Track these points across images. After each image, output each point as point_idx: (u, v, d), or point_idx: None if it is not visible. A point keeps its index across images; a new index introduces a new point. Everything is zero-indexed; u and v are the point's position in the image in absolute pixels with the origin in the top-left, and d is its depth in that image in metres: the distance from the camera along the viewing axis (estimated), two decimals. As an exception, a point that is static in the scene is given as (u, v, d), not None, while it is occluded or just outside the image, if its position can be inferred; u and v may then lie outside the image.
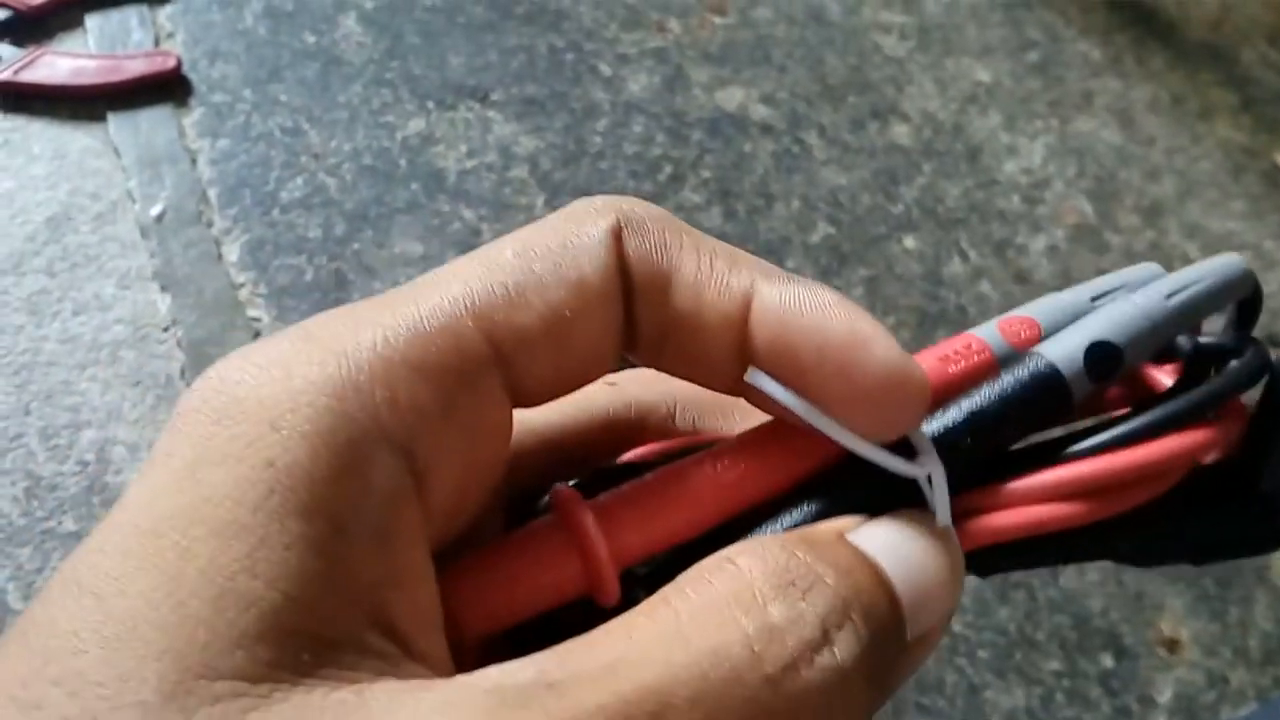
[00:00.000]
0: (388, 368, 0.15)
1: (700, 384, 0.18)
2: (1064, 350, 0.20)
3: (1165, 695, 0.74)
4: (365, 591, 0.14)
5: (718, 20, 1.07)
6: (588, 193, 0.91)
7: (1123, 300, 0.21)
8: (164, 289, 0.83)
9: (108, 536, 0.14)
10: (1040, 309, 0.22)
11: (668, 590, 0.16)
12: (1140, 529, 0.20)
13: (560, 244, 0.17)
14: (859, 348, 0.17)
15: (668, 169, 0.95)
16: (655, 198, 0.93)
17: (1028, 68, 1.08)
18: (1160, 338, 0.21)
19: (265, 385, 0.15)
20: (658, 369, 0.18)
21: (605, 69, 1.02)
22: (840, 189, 0.96)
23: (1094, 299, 0.22)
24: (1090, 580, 0.77)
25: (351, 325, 0.16)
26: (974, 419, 0.19)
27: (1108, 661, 0.75)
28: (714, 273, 0.17)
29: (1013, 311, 0.21)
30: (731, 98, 1.01)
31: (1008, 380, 0.20)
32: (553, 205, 0.91)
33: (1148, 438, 0.19)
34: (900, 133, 1.01)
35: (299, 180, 0.90)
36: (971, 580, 0.69)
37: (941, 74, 1.06)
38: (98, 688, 0.13)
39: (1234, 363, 0.21)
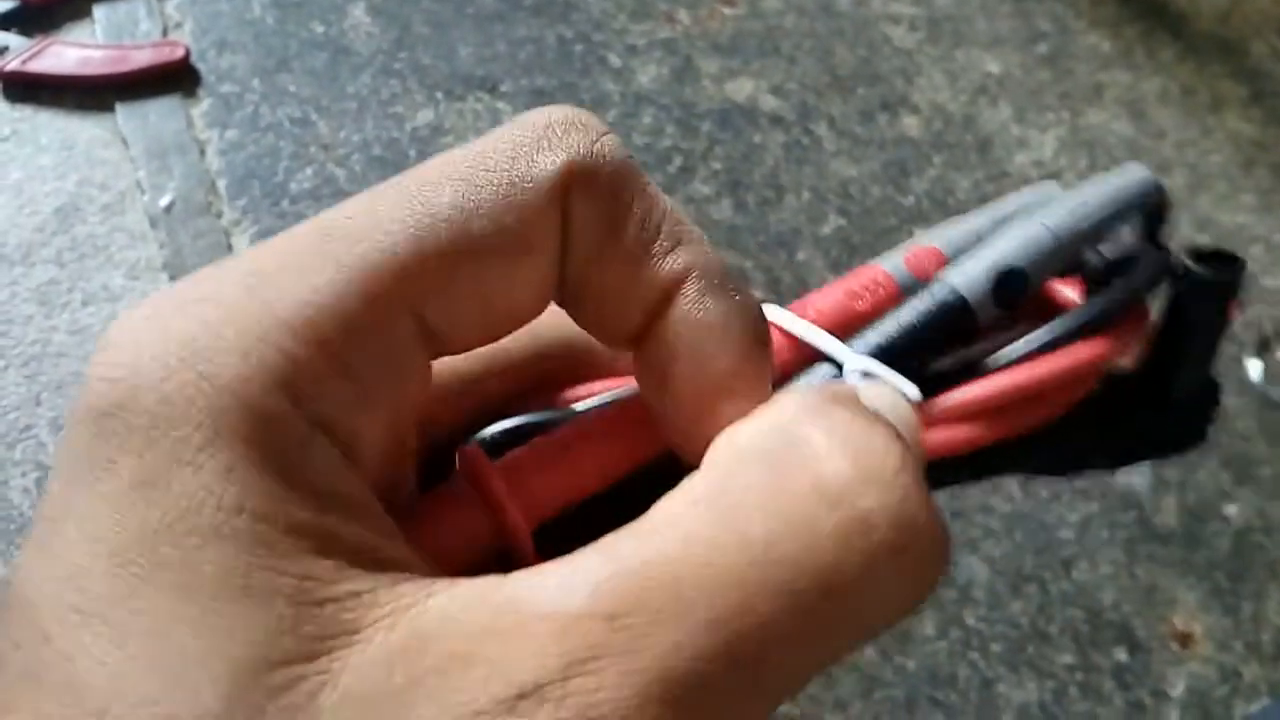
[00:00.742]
0: (309, 351, 0.14)
1: (600, 340, 0.18)
2: (969, 278, 0.20)
3: (1178, 689, 0.74)
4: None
5: (727, 11, 1.07)
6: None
7: (1026, 222, 0.21)
8: (173, 279, 0.83)
9: (85, 555, 0.13)
10: (945, 237, 0.22)
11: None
12: (1054, 441, 0.21)
13: (504, 194, 0.16)
14: (722, 395, 0.17)
15: (677, 160, 0.95)
16: (664, 189, 0.92)
17: (1038, 59, 1.08)
18: (1066, 256, 0.21)
19: (192, 384, 0.14)
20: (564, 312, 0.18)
21: (614, 60, 1.01)
22: (851, 180, 0.96)
23: (997, 222, 0.22)
24: (1103, 573, 0.77)
25: (266, 297, 0.15)
26: (882, 350, 0.19)
27: (1121, 655, 0.74)
28: (651, 253, 0.17)
29: (915, 240, 0.21)
30: (741, 89, 1.01)
31: (915, 308, 0.20)
32: (563, 197, 0.90)
33: (1055, 349, 0.20)
34: (910, 124, 1.01)
35: (308, 171, 0.90)
36: (984, 573, 0.68)
37: (951, 66, 1.06)
38: (152, 706, 0.13)
39: (1133, 270, 0.21)
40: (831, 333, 0.20)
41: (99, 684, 0.13)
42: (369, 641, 0.13)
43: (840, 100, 1.01)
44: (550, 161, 0.16)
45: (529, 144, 0.16)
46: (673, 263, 0.17)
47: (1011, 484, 0.79)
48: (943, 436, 0.19)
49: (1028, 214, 0.22)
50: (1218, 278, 0.21)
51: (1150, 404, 0.22)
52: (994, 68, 1.07)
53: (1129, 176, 0.22)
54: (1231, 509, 0.81)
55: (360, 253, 0.15)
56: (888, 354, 0.19)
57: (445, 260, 0.15)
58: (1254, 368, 0.87)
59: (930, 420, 0.19)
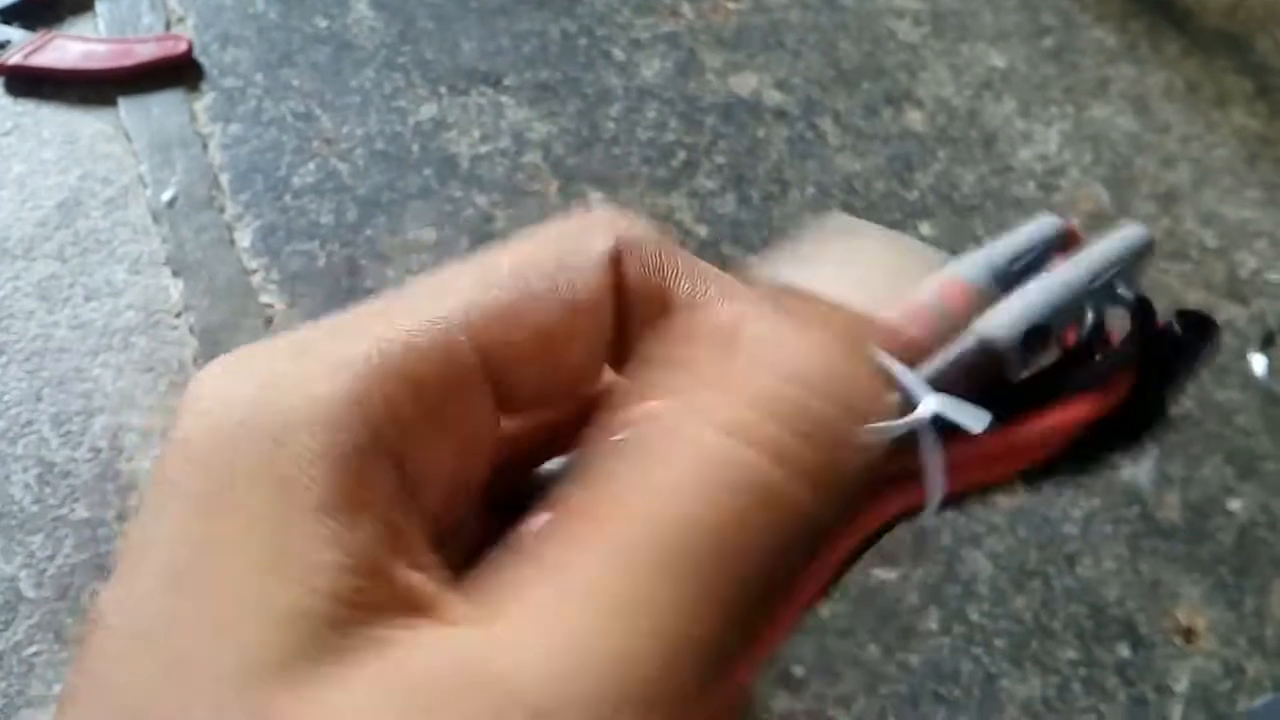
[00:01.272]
0: (382, 382, 0.16)
1: None
2: (1005, 332, 0.22)
3: (1182, 684, 0.73)
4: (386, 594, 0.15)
5: (731, 5, 1.07)
6: (602, 180, 0.91)
7: (1049, 279, 0.23)
8: (176, 274, 0.83)
9: (140, 574, 0.15)
10: (972, 272, 0.23)
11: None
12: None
13: (556, 262, 0.18)
14: None
15: (681, 155, 0.95)
16: (668, 184, 0.92)
17: (1043, 54, 1.07)
18: (1080, 310, 0.23)
19: (266, 405, 0.15)
20: None
21: (618, 54, 1.01)
22: (854, 175, 0.95)
23: (1013, 262, 0.23)
24: (1107, 569, 0.77)
25: (346, 338, 0.16)
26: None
27: (1124, 651, 0.74)
28: (708, 299, 0.18)
29: (946, 273, 0.23)
30: (745, 83, 1.01)
31: (954, 358, 0.21)
32: (566, 192, 0.90)
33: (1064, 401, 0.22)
34: (915, 119, 1.00)
35: (311, 166, 0.90)
36: (988, 568, 0.68)
37: (955, 60, 1.06)
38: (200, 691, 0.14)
39: (1132, 332, 0.23)
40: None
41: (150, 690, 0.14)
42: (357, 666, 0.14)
43: (844, 94, 1.01)
44: (598, 236, 0.18)
45: (576, 229, 0.18)
46: (730, 308, 0.18)
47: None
48: (986, 472, 0.21)
49: (1040, 258, 0.23)
50: (1203, 341, 0.23)
51: (1121, 447, 0.24)
52: (999, 61, 1.06)
53: (1131, 235, 0.24)
54: (1235, 504, 0.81)
55: (429, 305, 0.17)
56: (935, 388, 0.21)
57: (508, 310, 0.17)
58: (1258, 363, 0.87)
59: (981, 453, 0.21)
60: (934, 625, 0.73)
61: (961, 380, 0.21)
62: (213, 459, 0.15)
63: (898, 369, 0.20)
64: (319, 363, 0.16)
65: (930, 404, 0.20)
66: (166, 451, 0.16)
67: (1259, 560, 0.79)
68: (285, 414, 0.15)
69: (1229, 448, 0.83)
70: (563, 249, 0.18)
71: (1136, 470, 0.81)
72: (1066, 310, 0.22)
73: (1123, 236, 0.24)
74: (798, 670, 0.70)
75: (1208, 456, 0.82)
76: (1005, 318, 0.22)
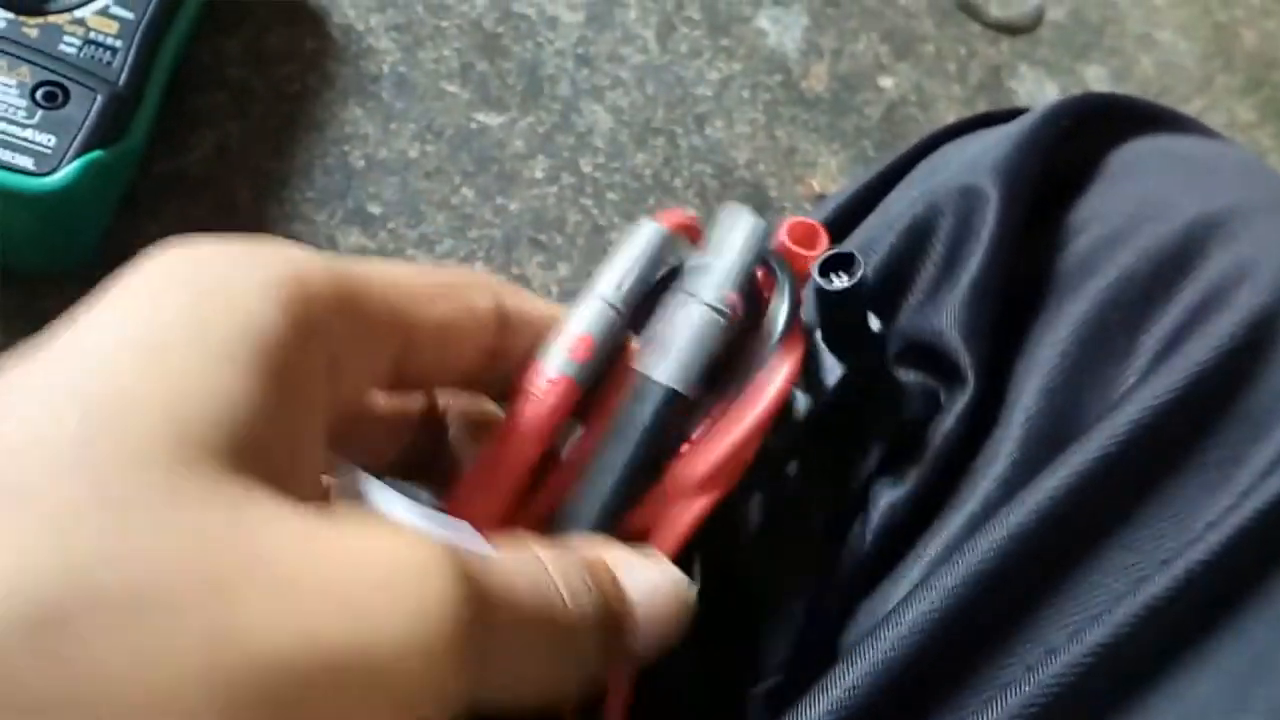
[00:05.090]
0: (335, 285, 0.19)
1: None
2: (678, 370, 0.23)
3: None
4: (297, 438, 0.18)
5: None
6: None
7: (690, 302, 0.24)
8: None
9: (102, 343, 0.17)
10: (592, 325, 0.24)
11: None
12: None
13: (463, 281, 0.23)
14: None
15: None
16: None
17: None
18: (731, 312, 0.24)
19: (235, 259, 0.19)
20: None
21: None
22: None
23: (630, 287, 0.24)
24: (740, 132, 0.71)
25: (295, 250, 0.20)
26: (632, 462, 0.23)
27: (748, 212, 0.69)
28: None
29: (570, 331, 0.24)
30: None
31: (639, 416, 0.23)
32: None
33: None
34: None
35: None
36: (608, 122, 0.60)
37: None
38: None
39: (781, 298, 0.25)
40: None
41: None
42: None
43: None
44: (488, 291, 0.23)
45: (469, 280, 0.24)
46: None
47: (647, 34, 0.71)
48: (685, 511, 0.23)
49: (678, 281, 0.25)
50: (849, 287, 0.25)
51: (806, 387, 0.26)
52: None
53: (750, 227, 0.24)
54: (887, 81, 0.76)
55: (375, 267, 0.21)
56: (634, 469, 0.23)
57: (429, 296, 0.22)
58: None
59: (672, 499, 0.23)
60: (540, 174, 0.66)
61: (658, 433, 0.23)
62: (182, 273, 0.18)
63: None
64: (278, 251, 0.19)
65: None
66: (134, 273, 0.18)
67: (905, 136, 0.74)
68: (253, 268, 0.18)
69: (888, 26, 0.77)
70: (465, 278, 0.23)
71: (784, 38, 0.74)
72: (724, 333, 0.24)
73: (742, 228, 0.24)
74: (374, 208, 0.62)
75: (864, 32, 0.76)
76: (671, 355, 0.23)
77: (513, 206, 0.65)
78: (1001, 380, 0.30)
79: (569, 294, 0.63)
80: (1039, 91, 0.79)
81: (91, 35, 0.52)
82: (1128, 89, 0.81)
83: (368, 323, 0.20)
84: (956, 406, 0.29)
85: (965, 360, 0.29)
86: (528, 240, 0.64)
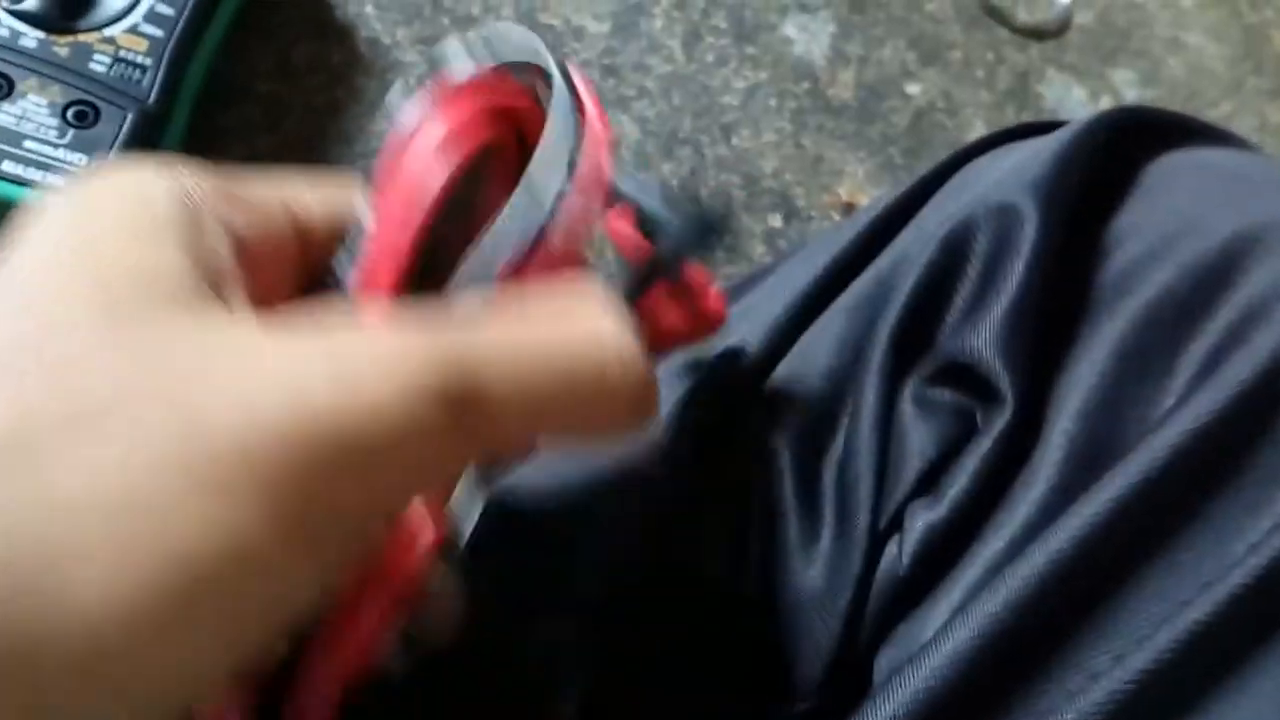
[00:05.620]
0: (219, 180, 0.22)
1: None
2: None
3: (832, 254, 0.68)
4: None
5: None
6: None
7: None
8: None
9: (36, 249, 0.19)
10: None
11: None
12: None
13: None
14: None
15: None
16: None
17: None
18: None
19: (131, 177, 0.21)
20: None
21: None
22: None
23: None
24: (766, 141, 0.71)
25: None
26: None
27: (776, 221, 0.69)
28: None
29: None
30: None
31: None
32: None
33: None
34: None
35: None
36: (634, 132, 0.60)
37: None
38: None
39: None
40: None
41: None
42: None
43: None
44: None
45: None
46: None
47: (673, 43, 0.71)
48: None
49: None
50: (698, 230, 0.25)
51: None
52: None
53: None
54: (914, 88, 0.75)
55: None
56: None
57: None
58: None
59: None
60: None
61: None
62: (97, 188, 0.20)
63: None
64: (165, 166, 0.21)
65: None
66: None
67: (932, 143, 0.74)
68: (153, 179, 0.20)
69: (915, 33, 0.77)
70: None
71: (811, 46, 0.74)
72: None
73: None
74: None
75: (890, 39, 0.76)
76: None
77: (540, 218, 0.65)
78: (1039, 400, 0.29)
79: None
80: (1067, 96, 0.78)
81: (121, 53, 0.53)
82: (1157, 93, 0.81)
83: (256, 205, 0.22)
84: (995, 428, 0.29)
85: (1004, 381, 0.29)
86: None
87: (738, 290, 0.40)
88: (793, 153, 0.71)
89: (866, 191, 0.71)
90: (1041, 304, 0.30)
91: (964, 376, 0.30)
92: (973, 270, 0.31)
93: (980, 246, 0.31)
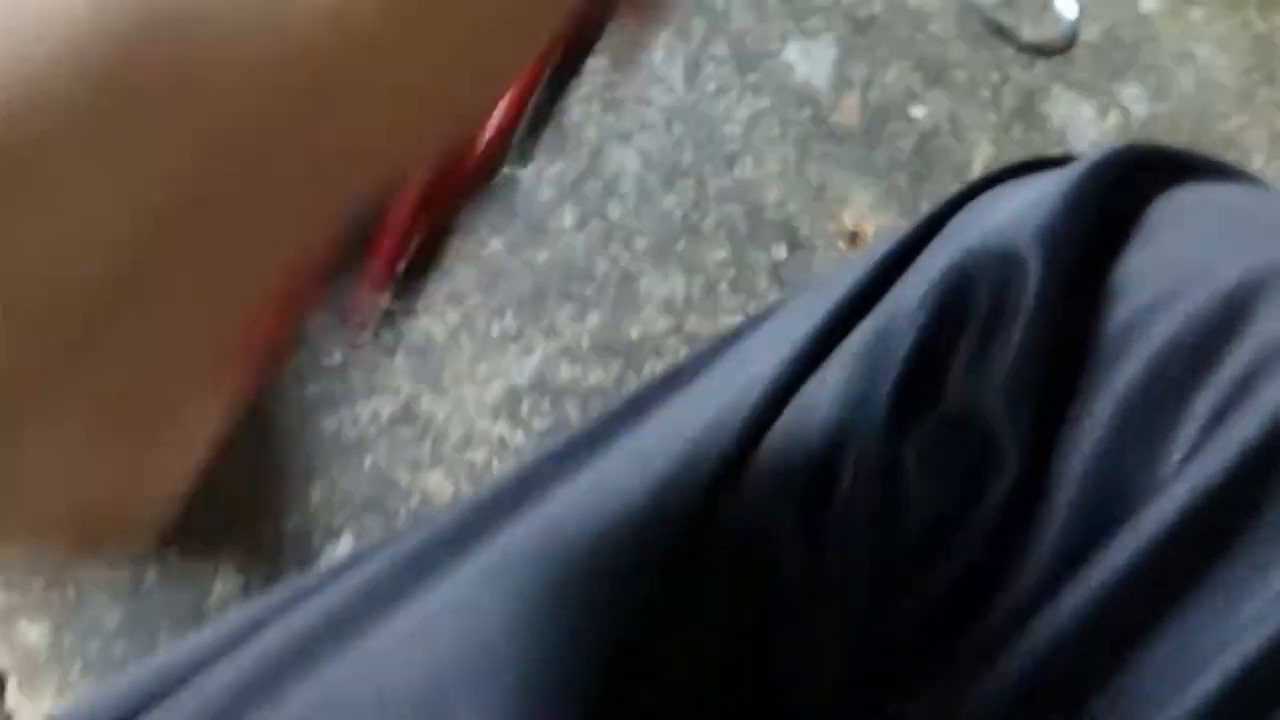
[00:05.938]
0: None
1: None
2: None
3: (839, 284, 0.67)
4: None
5: None
6: None
7: None
8: None
9: None
10: None
11: None
12: None
13: None
14: None
15: None
16: None
17: None
18: None
19: None
20: None
21: None
22: None
23: None
24: (769, 171, 0.70)
25: None
26: None
27: (780, 253, 0.68)
28: None
29: None
30: None
31: None
32: None
33: None
34: None
35: None
36: (635, 166, 0.59)
37: None
38: None
39: None
40: None
41: None
42: None
43: None
44: None
45: None
46: None
47: (674, 74, 0.71)
48: None
49: None
50: None
51: None
52: None
53: None
54: (919, 111, 0.74)
55: None
56: None
57: None
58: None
59: None
60: (568, 222, 0.66)
61: None
62: None
63: None
64: None
65: None
66: None
67: (938, 168, 0.73)
68: None
69: (919, 54, 0.76)
70: None
71: (812, 70, 0.73)
72: None
73: None
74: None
75: (894, 61, 0.75)
76: None
77: (541, 258, 0.64)
78: (1044, 457, 0.29)
79: (600, 345, 0.62)
80: (1075, 114, 0.77)
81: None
82: (1166, 107, 0.79)
83: None
84: (999, 485, 0.28)
85: (1007, 437, 0.28)
86: (557, 292, 0.64)
87: (740, 332, 0.40)
88: (796, 181, 0.70)
89: (872, 219, 0.70)
90: (1044, 358, 0.29)
91: (967, 432, 0.30)
92: (975, 323, 0.30)
93: (982, 298, 0.30)
